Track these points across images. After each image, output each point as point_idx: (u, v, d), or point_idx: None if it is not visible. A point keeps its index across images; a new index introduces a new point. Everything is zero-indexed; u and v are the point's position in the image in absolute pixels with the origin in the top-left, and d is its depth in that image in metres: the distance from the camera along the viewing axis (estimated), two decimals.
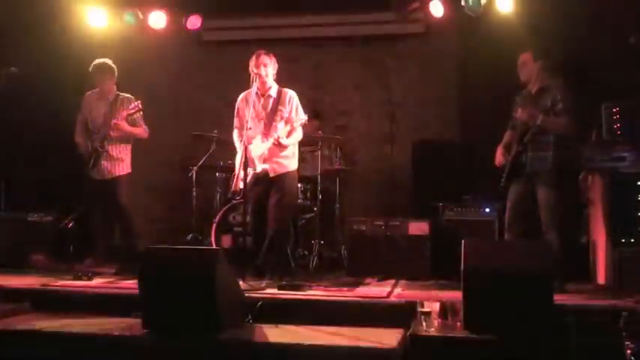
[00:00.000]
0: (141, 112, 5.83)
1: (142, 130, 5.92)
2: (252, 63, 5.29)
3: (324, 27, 7.56)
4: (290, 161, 5.38)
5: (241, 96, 5.48)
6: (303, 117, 5.30)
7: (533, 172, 5.04)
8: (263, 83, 5.30)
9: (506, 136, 5.35)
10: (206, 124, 6.85)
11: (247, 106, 5.26)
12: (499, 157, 5.25)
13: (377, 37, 7.49)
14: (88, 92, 6.00)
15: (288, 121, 5.25)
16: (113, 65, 5.93)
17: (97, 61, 5.89)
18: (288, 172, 5.36)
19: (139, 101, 5.76)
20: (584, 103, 5.29)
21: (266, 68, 5.26)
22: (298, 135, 5.37)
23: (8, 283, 5.06)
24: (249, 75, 5.26)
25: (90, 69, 5.86)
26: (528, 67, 5.12)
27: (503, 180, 5.18)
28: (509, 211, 5.16)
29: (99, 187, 5.86)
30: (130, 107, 5.72)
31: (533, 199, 5.05)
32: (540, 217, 5.01)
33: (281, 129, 5.19)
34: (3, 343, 3.98)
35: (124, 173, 5.91)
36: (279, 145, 5.20)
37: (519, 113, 5.03)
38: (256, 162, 5.24)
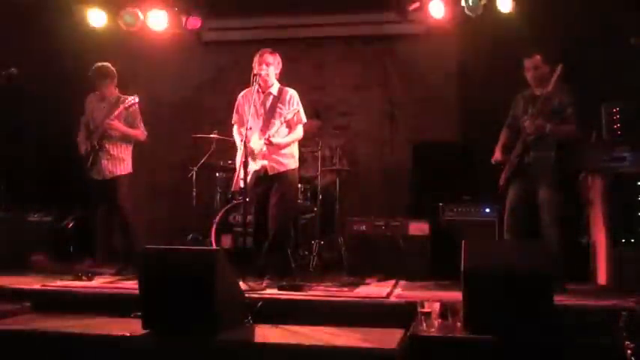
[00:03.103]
0: (136, 107, 5.79)
1: (139, 132, 5.90)
2: (255, 60, 5.29)
3: (324, 27, 7.55)
4: (289, 160, 5.36)
5: (242, 92, 5.48)
6: (302, 118, 5.31)
7: (536, 171, 5.04)
8: (264, 82, 5.29)
9: (504, 135, 5.34)
10: (206, 124, 6.85)
11: (247, 103, 5.26)
12: (497, 156, 5.25)
13: (377, 37, 7.49)
14: (91, 94, 6.00)
15: (287, 122, 5.24)
16: (112, 68, 5.91)
17: (96, 65, 5.87)
18: (288, 170, 5.34)
19: (135, 96, 5.73)
20: (584, 103, 5.29)
21: (268, 68, 5.26)
22: (297, 134, 5.36)
23: (8, 283, 5.06)
24: (250, 74, 5.25)
25: (89, 73, 5.85)
26: (540, 70, 5.09)
27: (503, 179, 5.18)
28: (509, 212, 5.15)
29: (99, 187, 5.85)
30: (127, 101, 5.70)
31: (533, 199, 5.05)
32: (540, 217, 5.01)
33: (275, 127, 5.17)
34: (3, 343, 3.98)
35: (125, 173, 5.90)
36: (271, 145, 5.17)
37: (528, 124, 5.00)
38: (255, 159, 5.23)
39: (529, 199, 5.07)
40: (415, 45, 7.38)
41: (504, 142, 5.29)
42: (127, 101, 5.71)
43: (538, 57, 5.11)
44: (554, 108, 5.00)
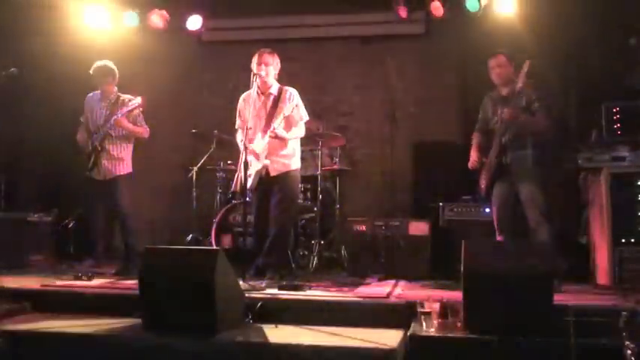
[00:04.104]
0: (141, 109, 5.80)
1: (142, 130, 5.90)
2: (254, 61, 5.28)
3: (324, 27, 7.56)
4: (291, 160, 5.37)
5: (242, 97, 5.48)
6: (304, 115, 5.31)
7: (515, 171, 5.07)
8: (263, 82, 5.30)
9: (477, 139, 5.39)
10: (206, 124, 6.85)
11: (247, 106, 5.26)
12: (473, 161, 5.28)
13: (377, 37, 7.49)
14: (90, 94, 5.99)
15: (288, 119, 5.23)
16: (114, 67, 5.92)
17: (98, 63, 5.88)
18: (290, 171, 5.35)
19: (139, 97, 5.74)
20: (584, 103, 5.29)
21: (267, 67, 5.25)
22: (299, 131, 5.36)
23: (8, 283, 5.05)
24: (250, 75, 5.25)
25: (91, 71, 5.85)
26: (505, 69, 5.14)
27: (486, 182, 5.18)
28: (497, 214, 5.19)
29: (100, 187, 5.84)
30: (131, 104, 5.71)
31: (517, 199, 5.07)
32: (527, 216, 5.02)
33: (279, 120, 5.14)
34: (3, 343, 3.97)
35: (125, 172, 5.89)
36: (276, 138, 5.16)
37: (508, 111, 5.03)
38: (256, 158, 5.22)
39: (513, 199, 5.10)
40: (415, 45, 7.39)
41: (479, 145, 5.32)
42: (130, 103, 5.70)
43: (502, 57, 5.18)
44: (522, 106, 5.03)
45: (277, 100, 5.34)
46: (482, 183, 5.26)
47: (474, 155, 5.32)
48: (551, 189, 5.10)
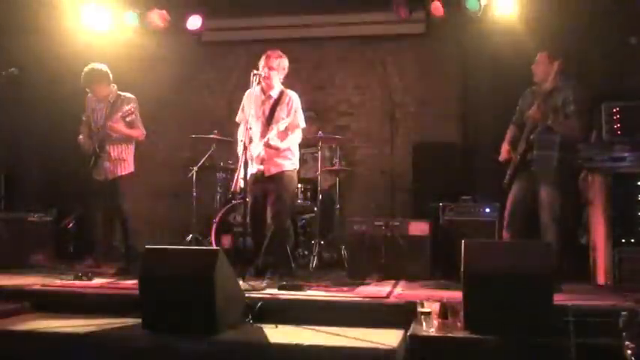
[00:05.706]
0: (133, 115, 5.76)
1: (138, 133, 5.85)
2: (261, 59, 5.26)
3: (324, 27, 7.56)
4: (286, 161, 5.32)
5: (247, 92, 5.44)
6: (301, 123, 5.28)
7: (538, 170, 5.04)
8: (266, 84, 5.28)
9: (511, 132, 5.35)
10: (206, 125, 6.85)
11: (250, 103, 5.24)
12: (504, 153, 5.27)
13: (377, 37, 7.49)
14: (91, 93, 5.96)
15: (284, 124, 5.22)
16: (103, 70, 5.83)
17: (87, 68, 5.79)
18: (285, 171, 5.31)
19: (131, 105, 5.71)
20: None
21: (270, 71, 5.22)
22: (295, 138, 5.34)
23: (8, 283, 5.06)
24: (249, 75, 5.23)
25: (81, 78, 5.80)
26: (543, 67, 5.11)
27: (507, 177, 5.18)
28: (510, 210, 5.16)
29: (100, 188, 5.83)
30: (124, 110, 5.68)
31: (534, 198, 5.06)
32: (540, 217, 5.02)
33: (274, 131, 5.16)
34: (3, 343, 3.98)
35: (127, 173, 5.87)
36: (270, 149, 5.16)
37: (533, 110, 5.00)
38: (253, 162, 5.23)
39: (530, 197, 5.08)
40: (415, 45, 7.39)
41: (511, 139, 5.30)
42: (125, 109, 5.67)
43: (541, 54, 5.14)
44: (557, 104, 5.00)
45: (276, 103, 5.31)
46: (508, 177, 5.23)
47: (504, 150, 5.29)
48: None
